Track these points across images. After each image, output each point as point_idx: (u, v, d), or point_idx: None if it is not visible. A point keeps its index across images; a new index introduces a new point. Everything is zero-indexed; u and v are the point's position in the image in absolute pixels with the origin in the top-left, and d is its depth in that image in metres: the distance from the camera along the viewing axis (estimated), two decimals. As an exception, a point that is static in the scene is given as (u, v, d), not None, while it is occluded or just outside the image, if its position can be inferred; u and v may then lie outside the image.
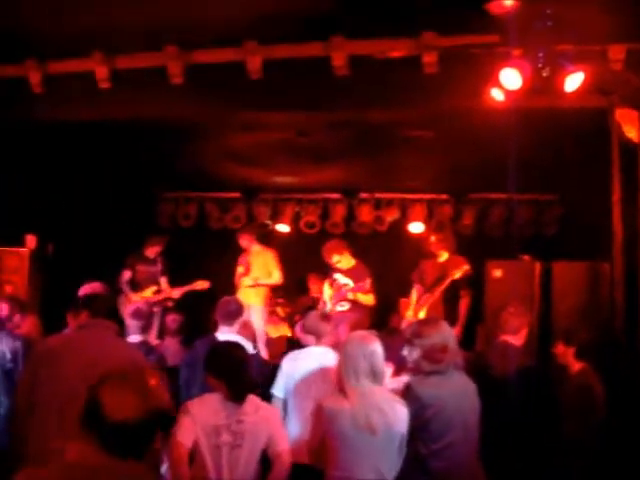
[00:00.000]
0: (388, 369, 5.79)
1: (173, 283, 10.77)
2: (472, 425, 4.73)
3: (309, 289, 12.07)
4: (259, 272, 10.41)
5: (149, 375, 2.67)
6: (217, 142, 10.21)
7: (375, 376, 4.49)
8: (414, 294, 9.72)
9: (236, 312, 6.70)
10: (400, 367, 5.81)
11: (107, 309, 5.01)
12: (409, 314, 9.45)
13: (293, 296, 12.32)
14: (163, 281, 10.72)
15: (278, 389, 5.86)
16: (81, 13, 6.51)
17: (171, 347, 7.96)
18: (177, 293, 10.54)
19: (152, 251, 10.83)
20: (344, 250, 9.92)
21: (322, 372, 5.68)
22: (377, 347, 4.57)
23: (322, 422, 4.53)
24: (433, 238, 9.96)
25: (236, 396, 4.53)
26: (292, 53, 7.14)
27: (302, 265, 12.26)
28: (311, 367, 5.79)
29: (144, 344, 6.57)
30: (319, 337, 5.97)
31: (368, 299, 9.56)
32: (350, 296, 9.51)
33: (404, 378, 5.20)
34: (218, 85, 7.61)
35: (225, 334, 6.39)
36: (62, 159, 10.20)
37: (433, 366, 4.67)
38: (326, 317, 6.20)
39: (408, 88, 7.03)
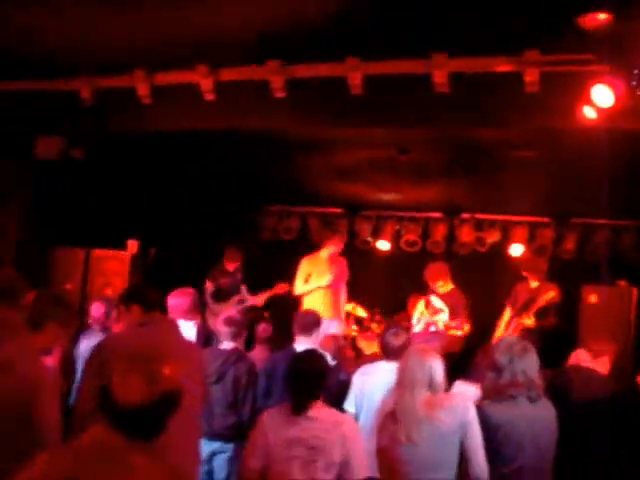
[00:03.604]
0: (474, 388, 5.75)
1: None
2: (545, 450, 4.64)
3: (407, 307, 12.02)
4: (334, 287, 10.27)
5: (164, 363, 2.72)
6: (321, 157, 10.27)
7: (432, 387, 4.44)
8: (505, 316, 9.62)
9: (313, 324, 6.74)
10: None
11: (159, 303, 5.01)
12: (497, 334, 9.36)
13: (390, 313, 12.29)
14: (243, 289, 10.80)
15: (349, 404, 5.89)
16: (187, 26, 6.66)
17: (260, 355, 8.03)
18: (260, 300, 10.67)
19: (232, 265, 10.97)
20: (447, 275, 9.89)
21: (389, 387, 5.66)
22: (437, 361, 4.52)
23: (380, 437, 4.54)
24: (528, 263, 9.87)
25: (295, 407, 4.54)
26: (393, 70, 7.13)
27: (401, 283, 12.23)
28: (379, 382, 5.76)
29: (235, 351, 6.66)
30: (389, 353, 5.95)
31: (461, 332, 9.48)
32: (441, 326, 9.42)
33: (472, 388, 5.18)
34: (319, 100, 7.67)
35: (302, 345, 6.44)
36: (169, 168, 10.47)
37: (513, 392, 4.62)
38: (397, 333, 6.16)
39: (508, 106, 6.95)
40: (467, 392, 5.51)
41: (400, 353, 5.84)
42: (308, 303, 10.00)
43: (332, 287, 10.25)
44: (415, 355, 4.56)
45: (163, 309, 5.04)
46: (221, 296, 10.71)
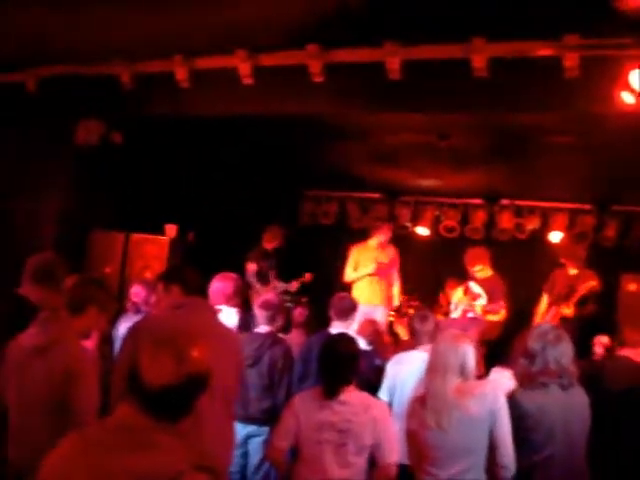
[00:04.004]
0: (507, 373, 5.73)
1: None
2: (577, 438, 4.62)
3: (445, 293, 11.99)
4: (381, 274, 10.46)
5: (193, 344, 2.74)
6: (359, 142, 10.27)
7: (464, 374, 4.42)
8: (543, 303, 9.55)
9: (350, 308, 6.75)
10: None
11: (200, 285, 4.91)
12: (535, 324, 9.29)
13: (428, 299, 12.26)
14: (272, 275, 11.02)
15: (383, 392, 5.88)
16: (226, 10, 6.65)
17: (296, 339, 8.06)
18: (293, 286, 11.11)
19: (270, 245, 11.19)
20: (487, 260, 9.86)
21: (420, 376, 5.64)
22: (469, 347, 4.50)
23: (409, 421, 4.54)
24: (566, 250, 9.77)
25: (327, 391, 4.54)
26: (431, 54, 7.08)
27: (440, 268, 12.22)
28: (411, 371, 5.77)
29: (271, 335, 6.68)
30: (418, 340, 5.93)
31: (498, 317, 9.45)
32: (478, 310, 9.40)
33: (508, 375, 5.16)
34: (357, 85, 7.63)
35: (338, 329, 6.43)
36: (207, 152, 10.52)
37: (545, 379, 4.60)
38: (426, 319, 6.12)
39: (547, 91, 6.86)
40: (502, 379, 5.50)
41: (428, 338, 5.85)
42: (357, 290, 10.28)
43: (381, 274, 10.44)
44: (448, 340, 4.55)
45: (203, 292, 4.96)
46: (263, 278, 10.83)
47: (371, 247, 10.61)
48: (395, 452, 4.68)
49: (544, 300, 9.55)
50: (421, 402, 4.49)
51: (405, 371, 5.82)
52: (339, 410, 4.49)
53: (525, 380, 4.70)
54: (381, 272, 10.41)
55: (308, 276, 11.49)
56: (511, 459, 4.32)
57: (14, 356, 4.31)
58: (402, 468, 4.78)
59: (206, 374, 2.76)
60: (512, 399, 4.58)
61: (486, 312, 9.42)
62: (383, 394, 5.85)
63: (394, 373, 5.92)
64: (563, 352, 4.66)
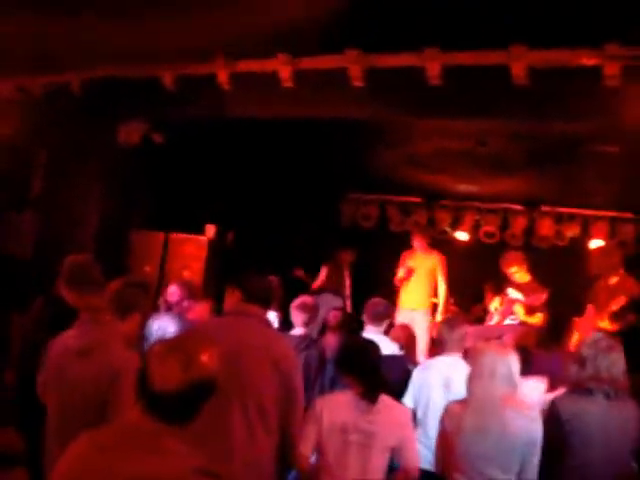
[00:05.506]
0: (541, 384, 5.72)
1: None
2: (618, 449, 4.58)
3: (484, 298, 11.96)
4: (424, 280, 10.55)
5: (202, 349, 2.76)
6: (401, 147, 10.29)
7: (511, 383, 4.42)
8: (587, 314, 9.46)
9: (384, 313, 6.74)
10: (554, 383, 5.72)
11: (261, 294, 4.77)
12: (577, 336, 9.21)
13: (467, 304, 12.24)
14: None
15: (408, 398, 5.87)
16: (267, 14, 6.69)
17: (331, 342, 8.08)
18: None
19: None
20: (523, 263, 9.81)
21: (446, 382, 5.66)
22: (515, 358, 4.50)
23: (444, 426, 4.55)
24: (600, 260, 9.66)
25: (369, 394, 4.55)
26: (472, 60, 7.07)
27: (479, 274, 12.18)
28: (438, 377, 5.77)
29: (306, 337, 6.72)
30: (445, 346, 5.91)
31: (536, 319, 9.39)
32: (517, 309, 9.37)
33: (541, 386, 5.17)
34: (398, 90, 7.63)
35: (371, 334, 6.40)
36: (248, 154, 10.59)
37: (593, 385, 4.60)
38: (454, 326, 6.09)
39: (587, 100, 6.83)
40: (536, 390, 5.52)
41: (456, 345, 5.84)
42: (402, 294, 10.59)
43: (422, 279, 10.57)
44: (494, 350, 4.56)
45: (265, 300, 4.89)
46: None
47: (416, 252, 10.77)
48: (417, 456, 4.70)
49: (589, 311, 9.47)
50: (461, 405, 4.50)
51: (430, 377, 5.81)
52: (364, 412, 4.51)
53: (572, 385, 4.74)
54: (409, 277, 10.55)
55: (299, 272, 11.82)
56: None
57: (55, 358, 4.33)
58: (423, 473, 4.80)
59: (214, 379, 2.77)
60: (553, 404, 4.64)
61: (527, 308, 9.35)
62: (408, 400, 5.84)
63: (420, 379, 5.91)
64: (614, 361, 4.67)
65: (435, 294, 10.65)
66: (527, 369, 5.57)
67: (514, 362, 4.46)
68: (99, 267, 5.21)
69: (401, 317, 10.00)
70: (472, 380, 4.50)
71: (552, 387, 5.74)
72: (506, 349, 4.63)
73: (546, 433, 4.38)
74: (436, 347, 6.29)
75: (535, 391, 5.58)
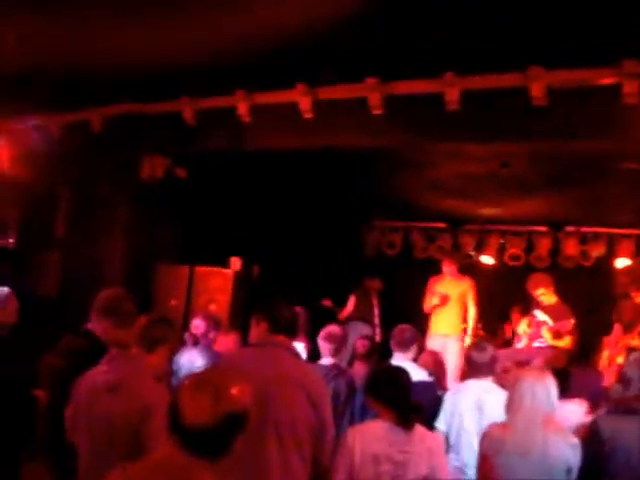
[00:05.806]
0: (581, 407, 5.68)
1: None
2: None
3: (511, 322, 11.91)
4: (455, 305, 10.61)
5: (233, 383, 2.76)
6: (423, 173, 10.31)
7: (549, 405, 4.41)
8: (614, 332, 9.41)
9: (411, 339, 6.69)
10: (595, 403, 5.70)
11: (287, 323, 4.72)
12: (606, 354, 9.16)
13: (494, 328, 12.19)
14: None
15: (440, 422, 5.84)
16: (285, 45, 6.70)
17: (360, 371, 8.05)
18: None
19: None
20: (550, 285, 9.77)
21: (479, 406, 5.63)
22: (552, 381, 4.50)
23: (483, 449, 4.52)
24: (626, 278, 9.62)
25: (404, 422, 4.51)
26: (490, 83, 7.09)
27: (505, 297, 12.13)
28: (469, 401, 5.73)
29: (335, 367, 6.69)
30: (475, 370, 5.86)
31: (564, 342, 9.33)
32: (545, 334, 9.31)
33: (578, 409, 5.14)
34: (417, 116, 7.66)
35: (399, 361, 6.37)
36: (271, 185, 10.63)
37: (637, 404, 4.59)
38: (483, 350, 6.04)
39: (607, 118, 6.81)
40: (576, 412, 5.49)
41: (485, 369, 5.80)
42: (433, 320, 10.70)
43: (453, 305, 10.65)
44: (534, 374, 4.59)
45: (292, 331, 4.85)
46: None
47: (445, 278, 10.86)
48: (448, 476, 4.68)
49: (616, 330, 9.42)
50: (501, 428, 4.50)
51: (463, 401, 5.78)
52: (395, 441, 4.47)
53: (616, 404, 4.76)
54: (445, 304, 10.58)
55: (327, 302, 11.86)
56: None
57: (85, 394, 4.33)
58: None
59: (246, 412, 2.76)
60: (594, 423, 4.64)
61: (554, 333, 9.30)
62: (440, 424, 5.81)
63: (451, 403, 5.87)
64: None
65: (465, 319, 10.62)
66: (565, 390, 5.55)
67: (552, 385, 4.47)
68: (132, 300, 5.22)
69: (433, 343, 10.02)
70: (512, 404, 4.51)
71: (592, 405, 5.71)
72: (544, 372, 4.63)
73: (586, 452, 4.38)
74: (466, 371, 6.24)
75: (575, 413, 5.54)
